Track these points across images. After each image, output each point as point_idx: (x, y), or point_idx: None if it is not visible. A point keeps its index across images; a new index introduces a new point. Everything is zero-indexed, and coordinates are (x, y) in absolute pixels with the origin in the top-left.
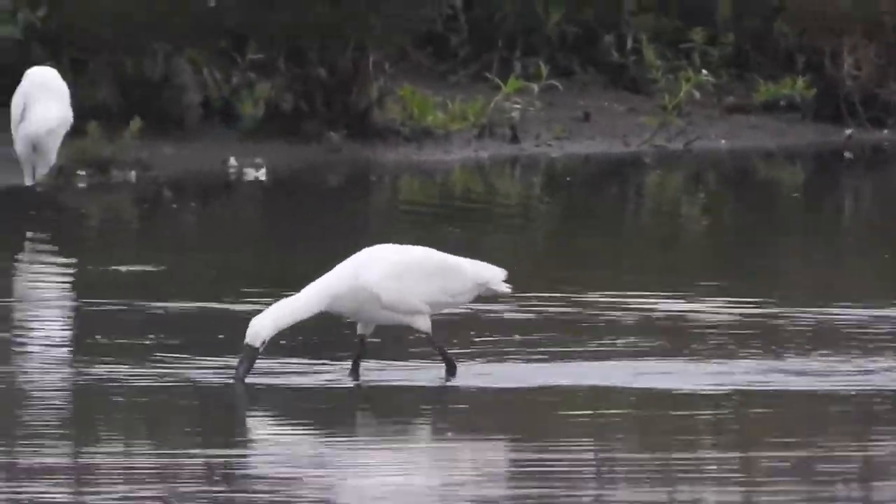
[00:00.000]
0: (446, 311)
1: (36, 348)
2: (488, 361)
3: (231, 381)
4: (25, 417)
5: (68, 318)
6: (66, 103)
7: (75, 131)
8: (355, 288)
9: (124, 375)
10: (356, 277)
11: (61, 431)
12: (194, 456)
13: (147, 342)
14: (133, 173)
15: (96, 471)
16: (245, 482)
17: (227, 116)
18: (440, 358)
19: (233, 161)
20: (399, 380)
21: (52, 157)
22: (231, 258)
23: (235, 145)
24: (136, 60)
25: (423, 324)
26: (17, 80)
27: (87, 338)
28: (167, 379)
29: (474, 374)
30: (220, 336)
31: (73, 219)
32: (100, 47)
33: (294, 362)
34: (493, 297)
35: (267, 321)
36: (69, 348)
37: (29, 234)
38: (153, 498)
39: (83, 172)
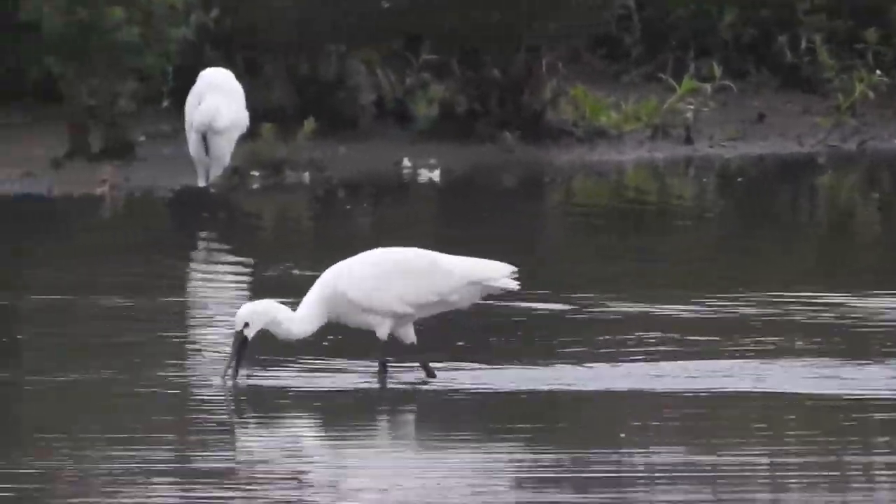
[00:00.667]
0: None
1: (209, 350)
2: (670, 360)
3: (227, 377)
4: (197, 420)
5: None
6: (240, 104)
7: (249, 133)
8: (334, 295)
9: (298, 378)
10: (334, 283)
11: (225, 437)
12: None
13: (325, 344)
14: (307, 174)
15: (264, 473)
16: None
17: (400, 117)
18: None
19: (406, 162)
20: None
21: (226, 159)
22: None
23: (409, 146)
24: (311, 61)
25: (382, 332)
26: (190, 82)
27: (260, 340)
28: (340, 381)
29: (648, 375)
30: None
31: (247, 220)
32: (274, 48)
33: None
34: (504, 295)
35: (252, 309)
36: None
37: (203, 235)
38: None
39: (257, 173)
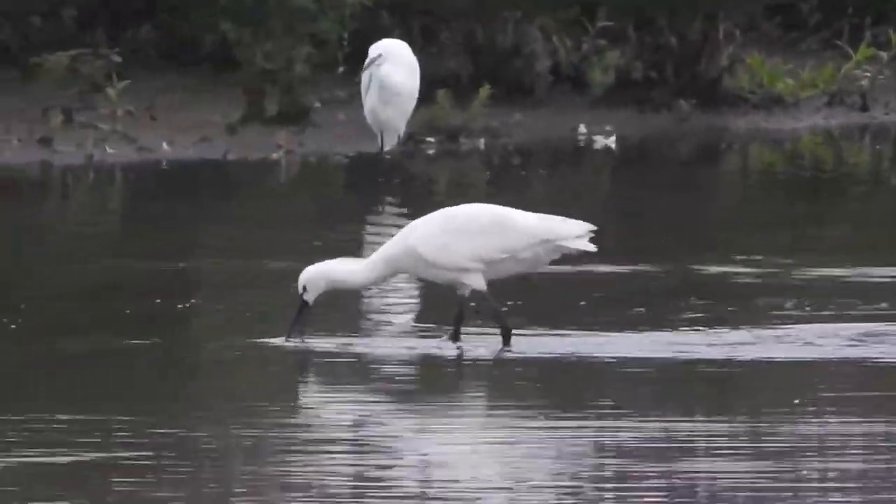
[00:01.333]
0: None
1: (384, 320)
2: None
3: (291, 340)
4: (372, 389)
5: (416, 288)
6: (414, 75)
7: (424, 99)
8: (405, 249)
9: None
10: (405, 239)
11: (401, 406)
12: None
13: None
14: (482, 141)
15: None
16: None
17: (576, 84)
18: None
19: (582, 128)
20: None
21: (400, 127)
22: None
23: (585, 113)
24: (487, 28)
25: (475, 281)
26: (366, 47)
27: (429, 309)
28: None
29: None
30: (582, 302)
31: (422, 185)
32: (450, 15)
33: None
34: (580, 256)
35: (310, 271)
36: (414, 320)
37: (378, 201)
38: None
39: (432, 140)
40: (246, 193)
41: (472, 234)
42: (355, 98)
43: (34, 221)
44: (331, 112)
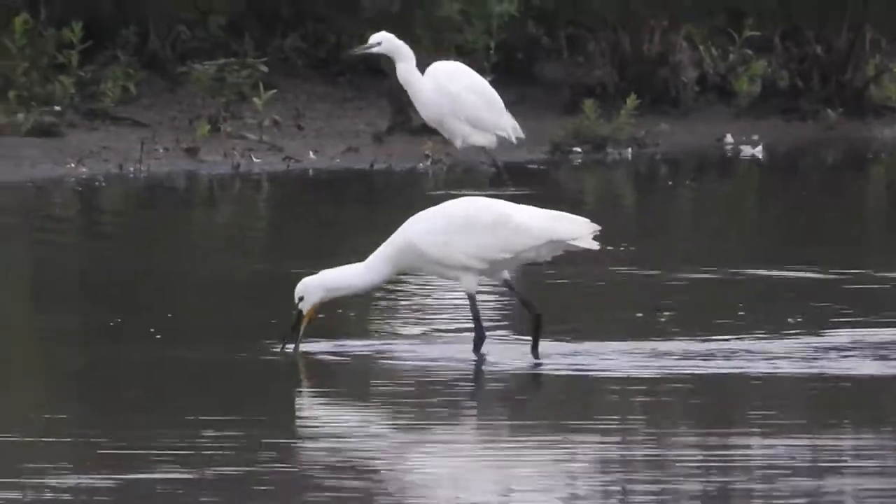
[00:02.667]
0: None
1: (413, 324)
2: None
3: (287, 349)
4: (479, 394)
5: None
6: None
7: (570, 109)
8: (406, 246)
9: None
10: (405, 235)
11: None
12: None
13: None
14: (629, 150)
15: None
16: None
17: (722, 93)
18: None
19: (729, 138)
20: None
21: (465, 139)
22: (726, 236)
23: (731, 122)
24: (633, 38)
25: (468, 284)
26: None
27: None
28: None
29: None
30: (740, 304)
31: (570, 195)
32: (596, 25)
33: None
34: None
35: (306, 281)
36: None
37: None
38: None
39: (579, 149)
40: (392, 203)
41: (474, 233)
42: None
43: (180, 230)
44: None
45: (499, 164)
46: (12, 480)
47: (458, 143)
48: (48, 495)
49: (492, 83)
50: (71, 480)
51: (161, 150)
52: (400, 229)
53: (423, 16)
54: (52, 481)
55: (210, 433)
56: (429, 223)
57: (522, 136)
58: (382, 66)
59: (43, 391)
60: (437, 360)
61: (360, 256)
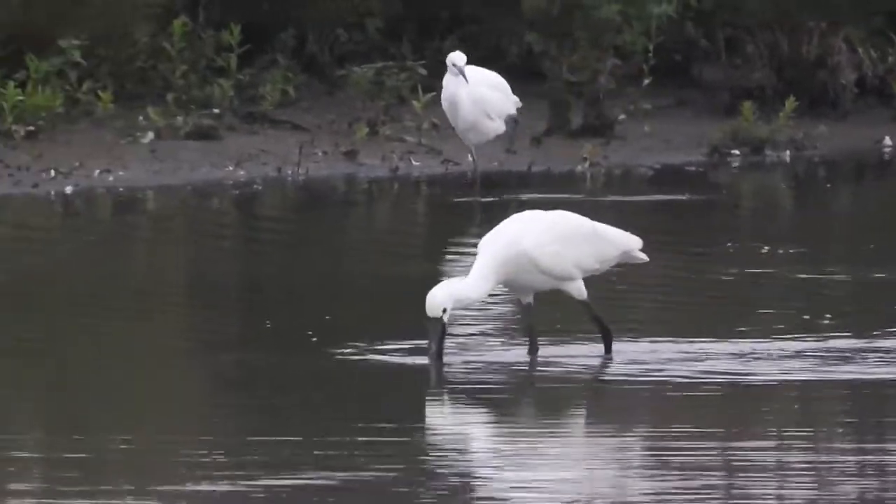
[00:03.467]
0: None
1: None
2: None
3: (426, 360)
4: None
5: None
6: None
7: (729, 111)
8: (517, 257)
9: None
10: (517, 244)
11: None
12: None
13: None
14: (787, 153)
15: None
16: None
17: (881, 96)
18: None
19: (887, 140)
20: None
21: (479, 136)
22: (884, 238)
23: (890, 124)
24: (792, 40)
25: (578, 289)
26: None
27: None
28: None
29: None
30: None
31: (727, 198)
32: (754, 27)
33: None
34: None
35: (443, 292)
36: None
37: (677, 213)
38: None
39: (737, 152)
40: (550, 205)
41: (577, 243)
42: (661, 110)
43: (337, 233)
44: (636, 124)
45: (478, 166)
46: (174, 488)
47: (486, 137)
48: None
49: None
50: (224, 487)
51: (319, 154)
52: (503, 244)
53: (582, 17)
54: (207, 487)
55: (364, 438)
56: (539, 234)
57: (520, 104)
58: (542, 69)
59: (199, 395)
60: (574, 362)
61: None
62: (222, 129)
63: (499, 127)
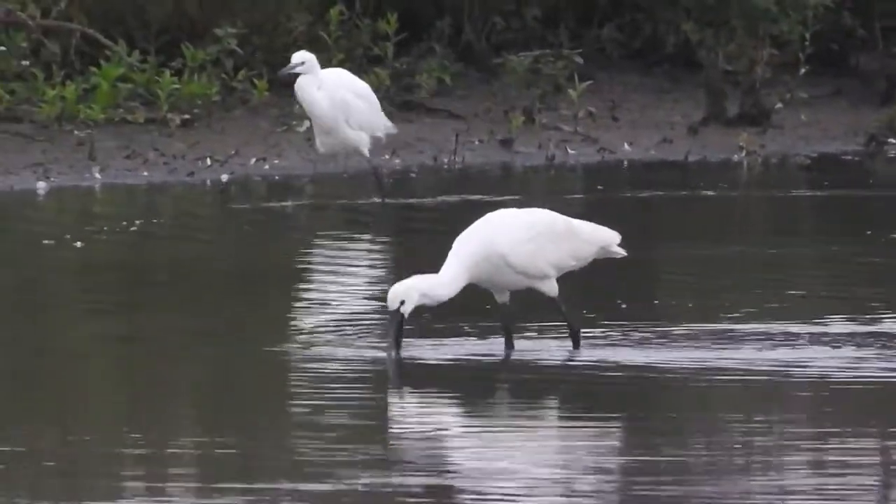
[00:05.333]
0: None
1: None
2: None
3: (387, 352)
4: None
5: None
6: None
7: (885, 100)
8: (489, 257)
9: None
10: (491, 244)
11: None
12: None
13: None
14: None
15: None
16: None
17: None
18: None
19: None
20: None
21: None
22: None
23: None
24: None
25: (551, 288)
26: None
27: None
28: None
29: None
30: None
31: (885, 186)
32: None
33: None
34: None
35: (404, 286)
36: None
37: (834, 203)
38: None
39: (894, 140)
40: (705, 196)
41: (552, 241)
42: (817, 99)
43: None
44: (792, 113)
45: (375, 165)
46: (242, 485)
47: (366, 147)
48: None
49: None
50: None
51: (475, 142)
52: (477, 242)
53: (739, 6)
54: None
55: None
56: (512, 233)
57: (395, 131)
58: (699, 58)
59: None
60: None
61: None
62: None
63: (360, 138)
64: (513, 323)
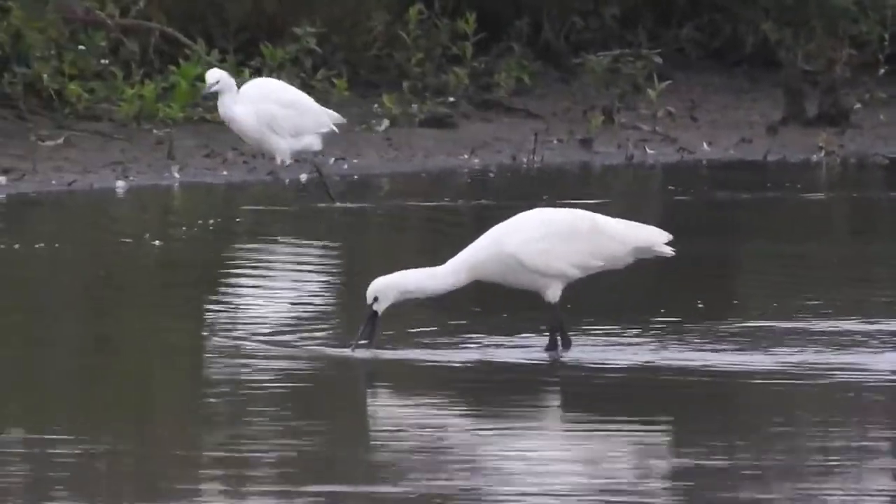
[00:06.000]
0: None
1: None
2: None
3: (351, 347)
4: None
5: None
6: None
7: None
8: (499, 254)
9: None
10: (500, 244)
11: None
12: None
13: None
14: None
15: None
16: None
17: None
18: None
19: None
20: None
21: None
22: None
23: None
24: None
25: (554, 293)
26: None
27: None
28: None
29: None
30: None
31: None
32: None
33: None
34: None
35: (382, 282)
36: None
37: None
38: None
39: None
40: (784, 196)
41: (571, 241)
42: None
43: None
44: (871, 113)
45: (322, 171)
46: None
47: (286, 158)
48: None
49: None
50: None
51: (554, 141)
52: (489, 238)
53: (818, 6)
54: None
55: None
56: (527, 232)
57: (343, 120)
58: (778, 58)
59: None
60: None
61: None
62: (457, 117)
63: (293, 143)
64: (558, 321)
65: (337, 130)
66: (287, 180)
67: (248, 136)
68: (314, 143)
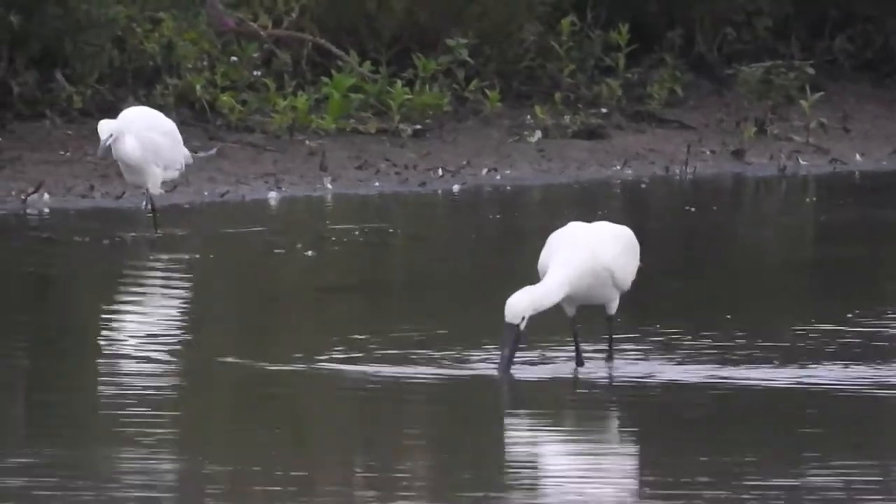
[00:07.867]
0: None
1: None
2: None
3: (496, 370)
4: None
5: None
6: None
7: None
8: (594, 269)
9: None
10: (595, 257)
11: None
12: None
13: None
14: None
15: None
16: None
17: None
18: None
19: None
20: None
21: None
22: None
23: None
24: None
25: (616, 305)
26: None
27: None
28: None
29: None
30: None
31: None
32: None
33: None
34: None
35: (527, 298)
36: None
37: None
38: None
39: None
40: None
41: (633, 254)
42: None
43: (723, 230)
44: None
45: (154, 204)
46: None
47: (157, 188)
48: None
49: None
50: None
51: (707, 153)
52: (577, 253)
53: None
54: None
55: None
56: (612, 246)
57: (191, 161)
58: None
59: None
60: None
61: None
62: (610, 128)
63: (165, 174)
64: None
65: (183, 170)
66: (439, 191)
67: (130, 164)
68: (176, 173)
